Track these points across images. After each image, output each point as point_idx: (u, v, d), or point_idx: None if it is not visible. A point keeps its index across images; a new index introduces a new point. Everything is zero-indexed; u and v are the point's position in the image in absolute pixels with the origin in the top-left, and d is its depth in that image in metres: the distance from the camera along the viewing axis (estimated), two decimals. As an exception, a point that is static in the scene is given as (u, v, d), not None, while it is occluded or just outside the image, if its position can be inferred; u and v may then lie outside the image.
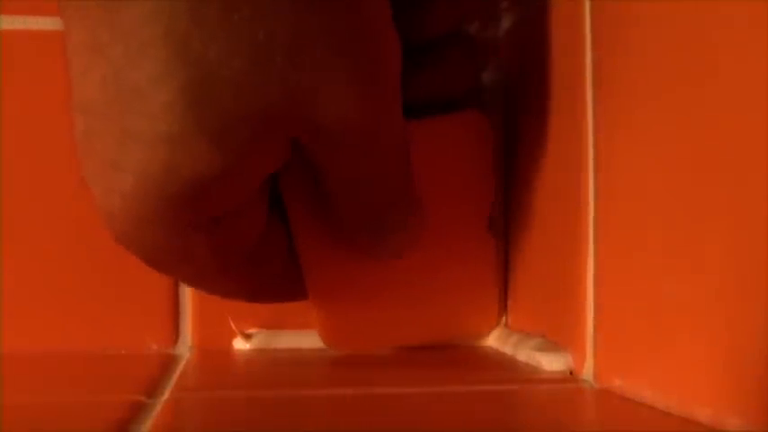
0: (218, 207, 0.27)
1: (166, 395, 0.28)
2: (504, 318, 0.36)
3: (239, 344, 0.38)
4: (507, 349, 0.34)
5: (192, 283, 0.32)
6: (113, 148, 0.25)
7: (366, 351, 0.35)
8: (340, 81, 0.26)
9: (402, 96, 0.28)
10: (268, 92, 0.25)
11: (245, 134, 0.25)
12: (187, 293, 0.38)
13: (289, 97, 0.25)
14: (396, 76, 0.28)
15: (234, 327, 0.38)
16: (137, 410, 0.25)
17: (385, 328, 0.34)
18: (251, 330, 0.38)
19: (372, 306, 0.34)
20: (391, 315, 0.34)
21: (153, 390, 0.28)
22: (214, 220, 0.27)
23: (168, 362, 0.35)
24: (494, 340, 0.36)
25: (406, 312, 0.34)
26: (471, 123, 0.34)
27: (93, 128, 0.25)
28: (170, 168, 0.25)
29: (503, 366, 0.32)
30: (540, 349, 0.31)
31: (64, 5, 0.25)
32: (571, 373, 0.29)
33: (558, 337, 0.31)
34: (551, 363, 0.30)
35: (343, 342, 0.34)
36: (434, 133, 0.33)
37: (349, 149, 0.27)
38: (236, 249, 0.29)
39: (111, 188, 0.26)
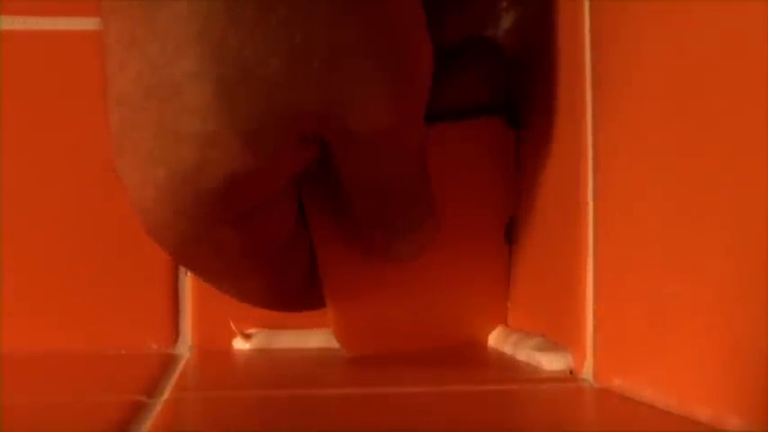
0: (248, 203, 0.27)
1: (166, 395, 0.28)
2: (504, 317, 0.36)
3: (239, 344, 0.38)
4: (507, 349, 0.34)
5: (220, 280, 0.31)
6: (149, 140, 0.25)
7: (380, 352, 0.35)
8: (376, 84, 0.26)
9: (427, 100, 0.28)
10: (303, 94, 0.25)
11: (278, 134, 0.25)
12: (187, 293, 0.38)
13: (324, 100, 0.25)
14: (427, 80, 0.28)
15: (234, 327, 0.38)
16: (137, 410, 0.25)
17: (399, 330, 0.34)
18: (251, 330, 0.38)
19: (387, 309, 0.34)
20: (405, 318, 0.34)
21: (153, 390, 0.28)
22: (245, 215, 0.27)
23: (168, 362, 0.35)
24: (494, 340, 0.36)
25: (419, 315, 0.34)
26: (493, 131, 0.34)
27: (129, 119, 0.26)
28: (202, 165, 0.25)
29: (503, 366, 0.32)
30: (540, 349, 0.31)
31: (103, 3, 0.26)
32: (571, 372, 0.29)
33: (558, 337, 0.31)
34: (551, 362, 0.30)
35: (358, 344, 0.34)
36: (455, 138, 0.33)
37: (374, 151, 0.27)
38: (265, 246, 0.29)
39: (146, 180, 0.26)
